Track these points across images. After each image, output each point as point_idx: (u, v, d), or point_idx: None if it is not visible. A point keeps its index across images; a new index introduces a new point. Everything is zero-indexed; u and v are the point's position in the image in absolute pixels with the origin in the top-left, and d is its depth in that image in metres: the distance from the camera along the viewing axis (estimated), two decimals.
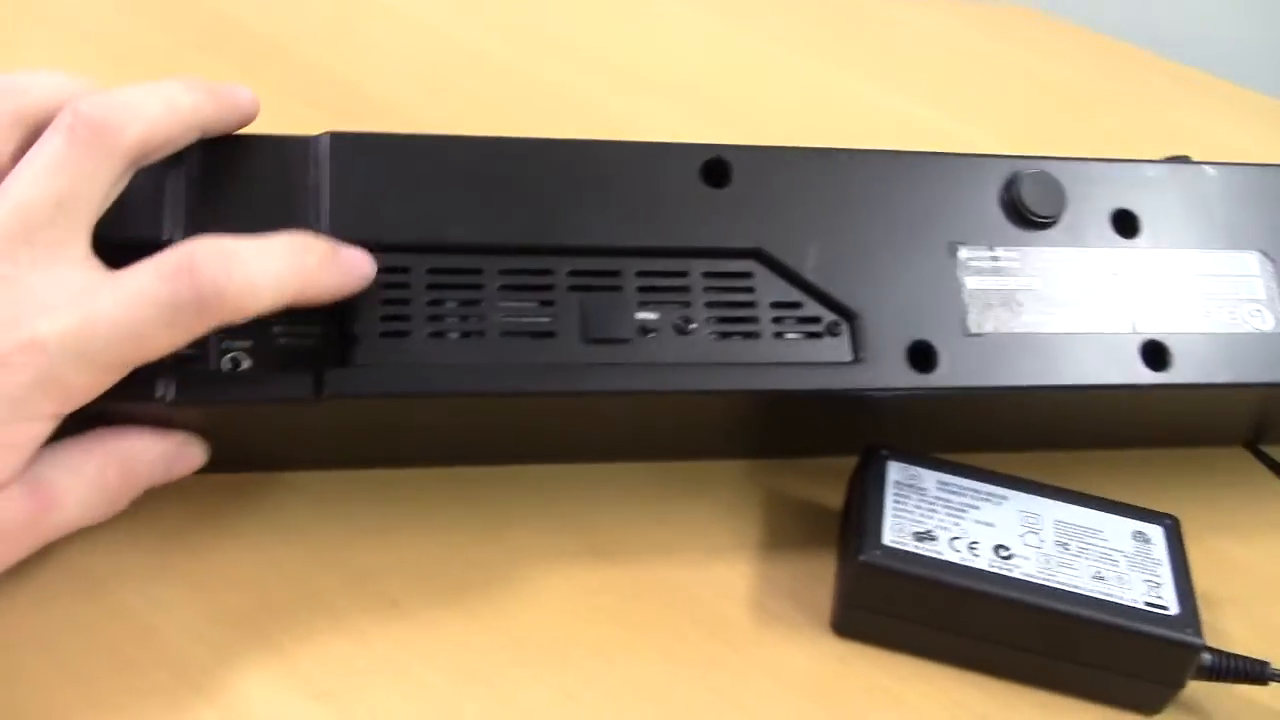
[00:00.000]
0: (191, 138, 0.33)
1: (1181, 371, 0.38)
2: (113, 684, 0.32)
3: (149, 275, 0.30)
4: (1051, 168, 0.39)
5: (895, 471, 0.38)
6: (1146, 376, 0.38)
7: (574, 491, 0.39)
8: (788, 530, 0.40)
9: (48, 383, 0.29)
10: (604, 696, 0.34)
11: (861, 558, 0.35)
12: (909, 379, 0.36)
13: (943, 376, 0.36)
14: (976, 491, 0.38)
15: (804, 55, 0.65)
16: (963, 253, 0.38)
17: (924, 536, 0.36)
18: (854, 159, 0.38)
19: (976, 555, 0.36)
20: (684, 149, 0.37)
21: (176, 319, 0.29)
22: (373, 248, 0.34)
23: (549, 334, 0.35)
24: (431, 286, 0.35)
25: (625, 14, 0.64)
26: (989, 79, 0.68)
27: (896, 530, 0.36)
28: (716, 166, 0.37)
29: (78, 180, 0.30)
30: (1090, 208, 0.39)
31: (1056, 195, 0.39)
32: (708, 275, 0.36)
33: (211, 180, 0.34)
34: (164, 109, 0.32)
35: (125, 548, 0.35)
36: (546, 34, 0.61)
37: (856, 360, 0.36)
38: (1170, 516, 0.39)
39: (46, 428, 0.30)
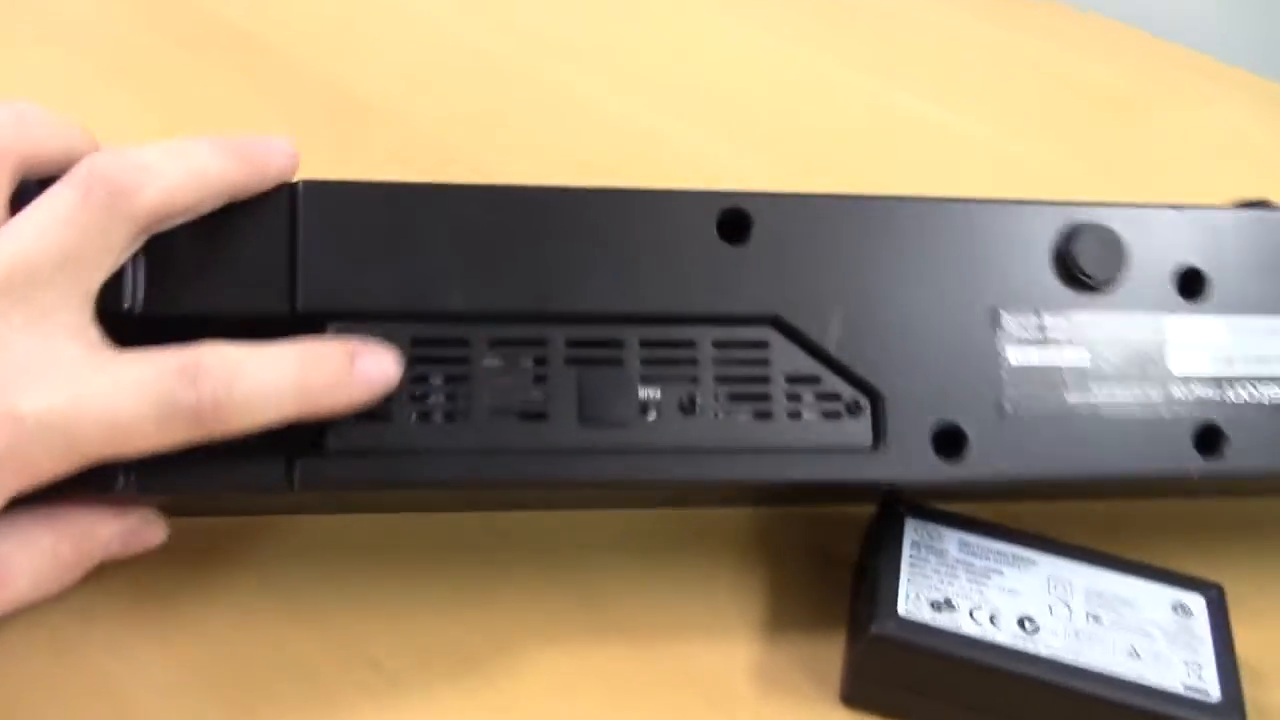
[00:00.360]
0: (216, 204, 0.30)
1: (1237, 458, 0.35)
2: None
3: (150, 369, 0.28)
4: (1112, 217, 0.35)
5: (913, 530, 0.35)
6: (1197, 464, 0.35)
7: (569, 542, 0.37)
8: (796, 588, 0.37)
9: (14, 460, 0.27)
10: None
11: (874, 629, 0.33)
12: (934, 468, 0.33)
13: (971, 465, 0.33)
14: (1001, 554, 0.36)
15: (807, 48, 0.60)
16: (1006, 320, 0.34)
17: (942, 605, 0.34)
18: (889, 208, 0.34)
19: (998, 628, 0.34)
20: (699, 198, 0.33)
21: (169, 423, 0.28)
22: (351, 315, 0.31)
23: (541, 415, 0.32)
24: (416, 360, 0.32)
25: (623, 12, 0.58)
26: (1006, 73, 0.61)
27: (912, 598, 0.34)
28: (735, 219, 0.33)
29: (86, 241, 0.28)
30: (1153, 266, 0.35)
31: (1116, 254, 0.35)
32: (718, 345, 0.33)
33: (176, 233, 0.31)
34: (186, 175, 0.29)
35: (96, 600, 0.34)
36: (546, 32, 0.56)
37: (877, 444, 0.33)
38: (1214, 586, 0.36)
39: None
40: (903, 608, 0.33)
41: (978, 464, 0.33)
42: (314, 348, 0.30)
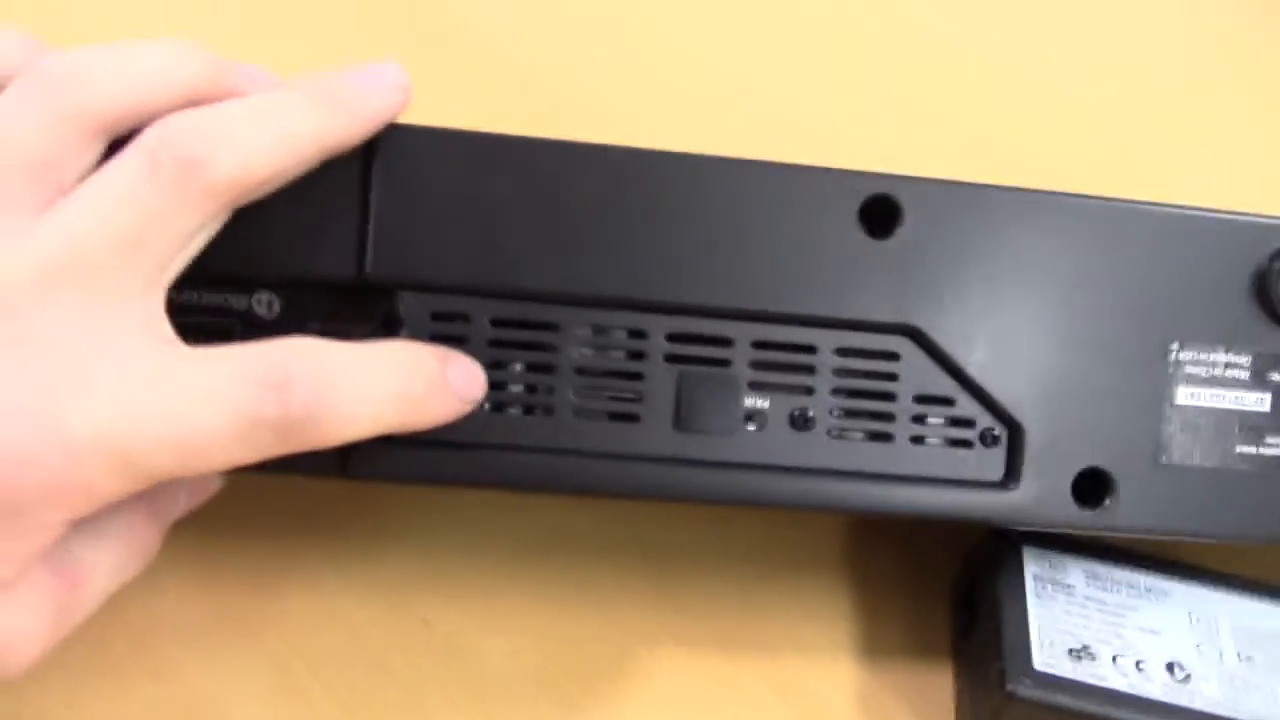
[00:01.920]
0: (310, 166, 0.26)
1: None
2: None
3: (229, 375, 0.24)
4: None
5: (1033, 562, 0.32)
6: None
7: (651, 541, 0.34)
8: (891, 605, 0.33)
9: (67, 487, 0.23)
10: None
11: (1009, 688, 0.29)
12: (1069, 515, 0.29)
13: (1113, 515, 0.29)
14: (1133, 586, 0.32)
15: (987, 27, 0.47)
16: (1181, 353, 0.29)
17: (1081, 654, 0.30)
18: (1062, 206, 0.29)
19: (1147, 677, 0.30)
20: (842, 179, 0.28)
21: (251, 437, 0.24)
22: (426, 286, 0.27)
23: (632, 417, 0.28)
24: (495, 344, 0.28)
25: None
26: (1206, 58, 0.48)
27: (1047, 647, 0.30)
28: (881, 207, 0.28)
29: (152, 222, 0.24)
30: None
31: None
32: (842, 353, 0.29)
33: None
34: (274, 138, 0.24)
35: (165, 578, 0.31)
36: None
37: (1008, 482, 0.29)
38: None
39: (55, 535, 0.24)
40: (1039, 659, 0.29)
41: (1120, 515, 0.29)
42: (408, 351, 0.26)
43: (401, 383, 0.25)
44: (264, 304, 0.28)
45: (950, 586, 0.33)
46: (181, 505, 0.28)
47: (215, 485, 0.29)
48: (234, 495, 0.29)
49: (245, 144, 0.24)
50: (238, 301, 0.28)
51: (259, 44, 0.38)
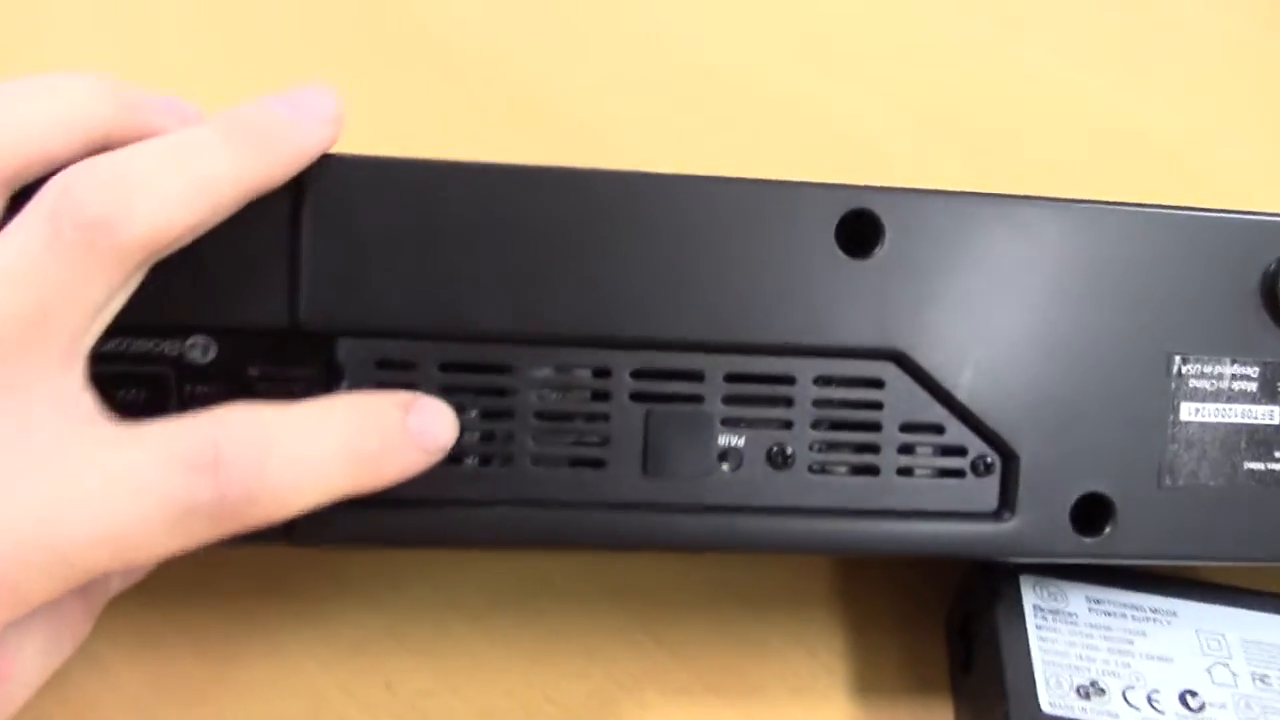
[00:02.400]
0: (230, 212, 0.23)
1: None
2: None
3: (154, 456, 0.21)
4: None
5: (1032, 591, 0.30)
6: None
7: (634, 586, 0.32)
8: (885, 639, 0.32)
9: None
10: None
11: None
12: (1068, 544, 0.27)
13: (1114, 542, 0.27)
14: (1138, 609, 0.30)
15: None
16: (1184, 366, 0.27)
17: (1090, 690, 0.28)
18: (1055, 214, 0.27)
19: (1160, 711, 0.28)
20: (815, 195, 0.26)
21: (185, 527, 0.21)
22: (366, 331, 0.25)
23: (598, 463, 0.26)
24: (446, 390, 0.25)
25: None
26: (1204, 47, 0.45)
27: (1053, 685, 0.28)
28: (860, 223, 0.26)
29: (58, 296, 0.21)
30: None
31: None
32: (822, 382, 0.27)
33: None
34: (189, 187, 0.22)
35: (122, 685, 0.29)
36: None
37: (1002, 512, 0.27)
38: None
39: None
40: (1045, 700, 0.27)
41: (1123, 542, 0.27)
42: (360, 403, 0.24)
43: (353, 442, 0.23)
44: (199, 349, 0.26)
45: (946, 617, 0.31)
46: (115, 585, 0.26)
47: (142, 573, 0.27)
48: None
49: (156, 197, 0.22)
50: (170, 347, 0.26)
51: (221, 59, 0.36)
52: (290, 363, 0.26)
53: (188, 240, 0.23)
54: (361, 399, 0.24)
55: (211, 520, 0.21)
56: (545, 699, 0.29)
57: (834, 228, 0.26)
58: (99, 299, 0.22)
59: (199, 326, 0.26)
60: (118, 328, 0.24)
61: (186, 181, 0.22)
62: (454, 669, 0.30)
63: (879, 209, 0.26)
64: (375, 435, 0.23)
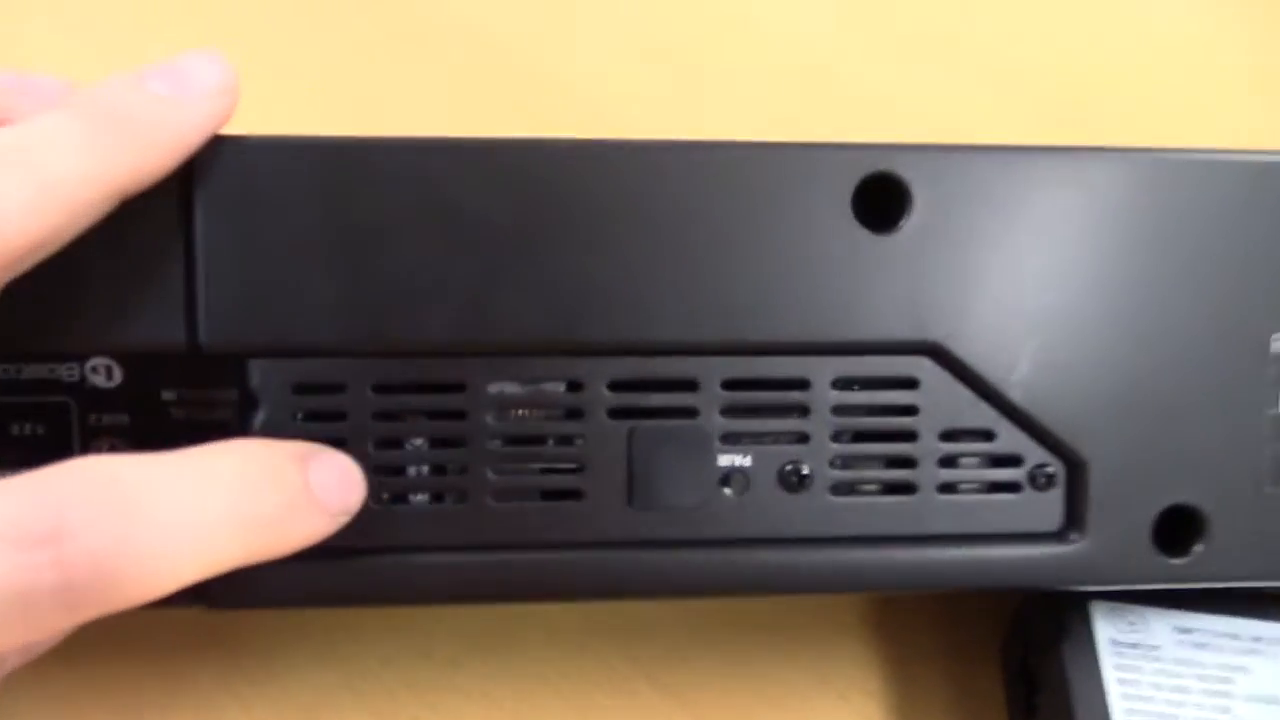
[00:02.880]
0: (93, 219, 0.19)
1: None
2: None
3: None
4: None
5: (1105, 621, 0.25)
6: None
7: (636, 623, 0.27)
8: (927, 683, 0.27)
9: None
10: None
11: None
12: (1151, 567, 0.23)
13: (1205, 563, 0.23)
14: (1235, 638, 0.25)
15: None
16: None
17: None
18: (1127, 167, 0.22)
19: None
20: (827, 158, 0.21)
21: (24, 615, 0.17)
22: (281, 351, 0.21)
23: (574, 494, 0.22)
24: (382, 416, 0.21)
25: None
26: None
27: None
28: (883, 189, 0.21)
29: None
30: None
31: None
32: (843, 385, 0.22)
33: None
34: (36, 191, 0.18)
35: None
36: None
37: (1069, 531, 0.22)
38: None
39: None
40: None
41: (1216, 563, 0.23)
42: (252, 456, 0.19)
43: (243, 504, 0.19)
44: (101, 372, 0.22)
45: (1000, 648, 0.27)
46: (10, 663, 0.22)
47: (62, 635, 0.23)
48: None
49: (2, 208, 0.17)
50: (68, 373, 0.22)
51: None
52: (208, 384, 0.22)
53: (44, 253, 0.18)
54: (253, 448, 0.19)
55: (62, 606, 0.17)
56: None
57: (850, 197, 0.21)
58: None
59: (95, 350, 0.21)
60: (3, 354, 0.21)
61: (33, 186, 0.18)
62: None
63: (904, 171, 0.21)
64: (273, 494, 0.19)
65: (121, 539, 0.17)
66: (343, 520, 0.20)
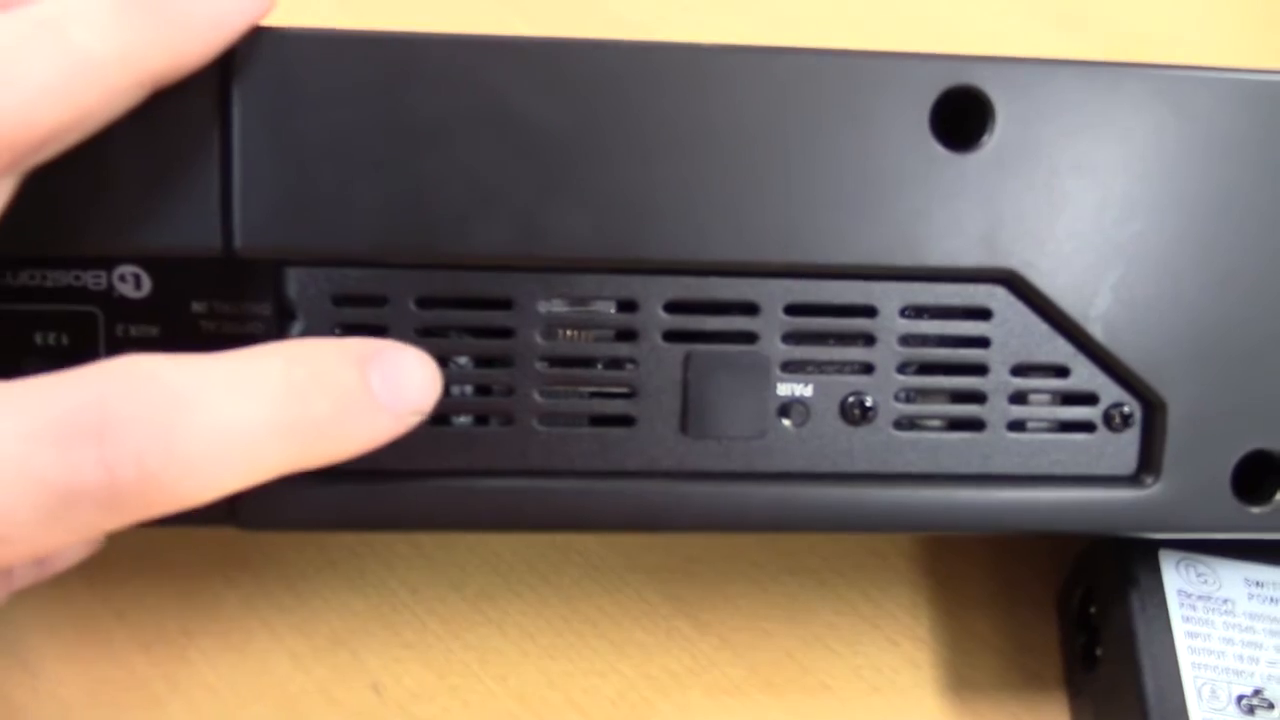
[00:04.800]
0: (123, 108, 0.18)
1: None
2: None
3: (22, 432, 0.16)
4: None
5: (1176, 573, 0.24)
6: None
7: (686, 563, 0.26)
8: (982, 628, 0.26)
9: None
10: None
11: None
12: (1229, 515, 0.21)
13: None
14: None
15: None
16: None
17: (1255, 702, 0.22)
18: (1225, 91, 0.20)
19: None
20: (903, 68, 0.20)
21: (64, 515, 0.16)
22: (320, 260, 0.20)
23: (625, 420, 0.20)
24: (425, 332, 0.20)
25: None
26: None
27: (1207, 694, 0.22)
28: (964, 104, 0.20)
29: None
30: None
31: None
32: (912, 314, 0.21)
33: None
34: (62, 72, 0.17)
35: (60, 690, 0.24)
36: None
37: (1144, 475, 0.21)
38: None
39: None
40: (1198, 714, 0.22)
41: None
42: (304, 354, 0.18)
43: (292, 405, 0.18)
44: (129, 281, 0.21)
45: (1058, 595, 0.26)
46: (20, 576, 0.21)
47: (73, 557, 0.22)
48: (119, 531, 0.21)
49: (16, 83, 0.16)
50: (94, 280, 0.21)
51: None
52: (240, 296, 0.20)
53: (71, 140, 0.17)
54: (299, 349, 0.18)
55: (103, 507, 0.16)
56: (566, 701, 0.24)
57: (929, 111, 0.20)
58: None
59: (123, 255, 0.20)
60: (28, 257, 0.19)
61: (60, 60, 0.16)
62: (455, 665, 0.24)
63: (987, 85, 0.20)
64: (324, 397, 0.18)
65: (167, 438, 0.16)
66: (414, 420, 0.18)
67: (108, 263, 0.21)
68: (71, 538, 0.17)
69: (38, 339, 0.21)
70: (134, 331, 0.21)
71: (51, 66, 0.16)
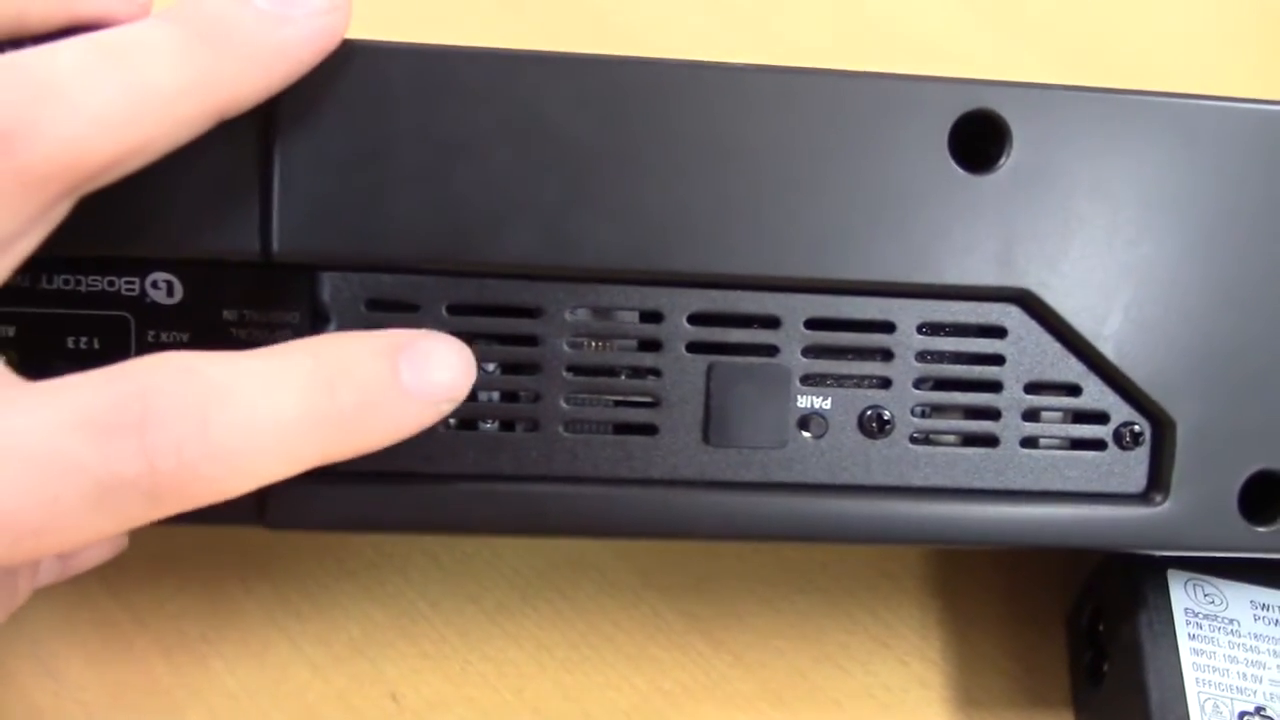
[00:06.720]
0: (186, 137, 0.18)
1: None
2: None
3: (64, 423, 0.16)
4: None
5: (1182, 591, 0.24)
6: None
7: (695, 576, 0.26)
8: (989, 645, 0.26)
9: None
10: None
11: None
12: (1236, 534, 0.22)
13: None
14: None
15: None
16: None
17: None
18: (1234, 119, 0.21)
19: None
20: (925, 92, 0.20)
21: (111, 505, 0.17)
22: (355, 265, 0.20)
23: (648, 429, 0.21)
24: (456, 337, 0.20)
25: None
26: None
27: (1210, 710, 0.22)
28: (981, 128, 0.21)
29: None
30: None
31: None
32: (929, 330, 0.21)
33: None
34: (129, 101, 0.17)
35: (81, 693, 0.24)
36: None
37: (1153, 493, 0.22)
38: None
39: None
40: None
41: None
42: (332, 347, 0.19)
43: (321, 397, 0.18)
44: (162, 288, 0.21)
45: (1066, 615, 0.26)
46: (46, 573, 0.22)
47: (104, 554, 0.22)
48: (142, 536, 0.22)
49: (80, 111, 0.16)
50: (127, 286, 0.21)
51: None
52: (271, 303, 0.21)
53: (132, 167, 0.18)
54: (325, 344, 0.19)
55: (146, 497, 0.16)
56: (581, 714, 0.24)
57: (948, 134, 0.20)
58: (3, 230, 0.17)
59: (158, 260, 0.21)
60: (62, 261, 0.20)
61: (125, 93, 0.17)
62: (472, 677, 0.25)
63: (1004, 109, 0.20)
64: (352, 388, 0.18)
65: (205, 430, 0.16)
66: (447, 408, 0.19)
67: (141, 269, 0.21)
68: (112, 529, 0.17)
69: (69, 342, 0.21)
70: (165, 337, 0.21)
71: (118, 96, 0.17)
